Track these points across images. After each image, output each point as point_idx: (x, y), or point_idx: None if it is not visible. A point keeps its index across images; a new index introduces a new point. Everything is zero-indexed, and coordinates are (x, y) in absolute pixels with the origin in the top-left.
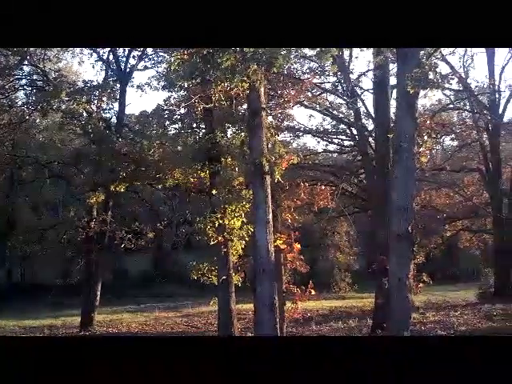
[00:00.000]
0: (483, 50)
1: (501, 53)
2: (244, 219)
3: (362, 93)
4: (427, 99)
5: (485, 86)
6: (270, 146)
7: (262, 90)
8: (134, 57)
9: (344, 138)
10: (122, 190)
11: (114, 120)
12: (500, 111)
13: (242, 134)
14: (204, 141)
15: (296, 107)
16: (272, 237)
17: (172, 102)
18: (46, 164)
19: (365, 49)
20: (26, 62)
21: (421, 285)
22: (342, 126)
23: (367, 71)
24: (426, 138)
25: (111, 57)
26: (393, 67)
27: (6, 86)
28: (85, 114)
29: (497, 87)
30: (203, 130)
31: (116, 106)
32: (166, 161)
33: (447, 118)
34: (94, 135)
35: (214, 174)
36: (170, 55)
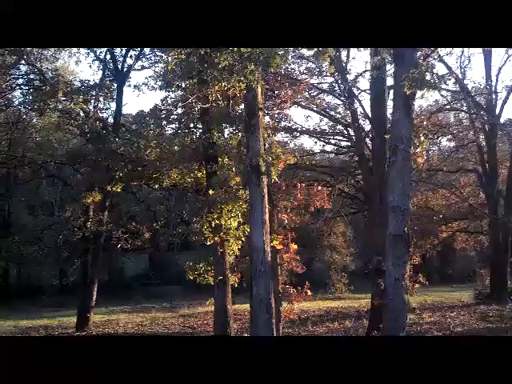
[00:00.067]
0: (480, 50)
1: (497, 54)
2: (240, 219)
3: (359, 93)
4: (424, 100)
5: (481, 87)
6: (266, 146)
7: (259, 90)
8: (131, 56)
9: (341, 138)
10: (119, 190)
11: (110, 120)
12: (497, 112)
13: (239, 134)
14: (201, 141)
15: (293, 108)
16: (268, 237)
17: (169, 101)
18: (43, 164)
19: (362, 49)
20: (22, 62)
21: (417, 285)
22: (339, 126)
23: (364, 72)
24: (422, 138)
25: (108, 56)
26: (390, 68)
27: (3, 86)
28: (82, 113)
29: (493, 88)
30: (200, 130)
31: (113, 105)
32: (163, 161)
33: (444, 118)
34: (91, 135)
35: (210, 174)
36: (168, 55)
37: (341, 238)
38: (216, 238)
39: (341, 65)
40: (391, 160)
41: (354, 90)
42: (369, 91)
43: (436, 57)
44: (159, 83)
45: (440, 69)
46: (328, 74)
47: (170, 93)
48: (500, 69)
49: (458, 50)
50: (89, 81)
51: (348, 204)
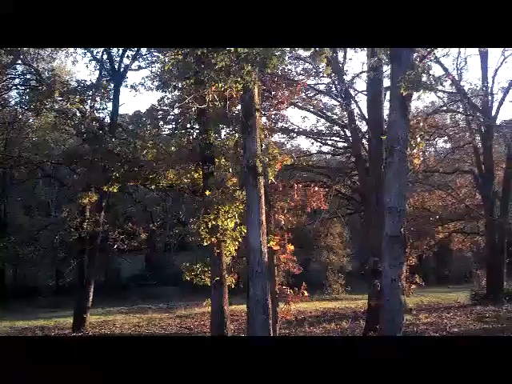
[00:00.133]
0: (476, 52)
1: (494, 56)
2: (237, 220)
3: (356, 94)
4: (420, 101)
5: (478, 89)
6: (263, 147)
7: (256, 91)
8: (127, 56)
9: (338, 139)
10: (115, 191)
11: (107, 120)
12: (493, 113)
13: (236, 134)
14: (198, 141)
15: (290, 108)
16: (265, 238)
17: (166, 102)
18: (39, 164)
19: (359, 50)
20: (19, 61)
21: (413, 286)
22: (336, 127)
23: (361, 73)
24: (419, 139)
25: (105, 56)
26: (386, 69)
27: None
28: (78, 113)
29: (490, 90)
30: (197, 131)
31: (110, 105)
32: (160, 161)
33: (440, 120)
34: (88, 135)
35: (207, 175)
36: (164, 55)
37: (337, 239)
38: (213, 239)
39: (337, 66)
40: (388, 161)
41: (351, 91)
42: (365, 92)
43: (432, 58)
44: (156, 83)
45: (436, 70)
46: (325, 75)
47: (167, 93)
48: (496, 70)
49: (454, 52)
50: (85, 81)
51: (345, 205)
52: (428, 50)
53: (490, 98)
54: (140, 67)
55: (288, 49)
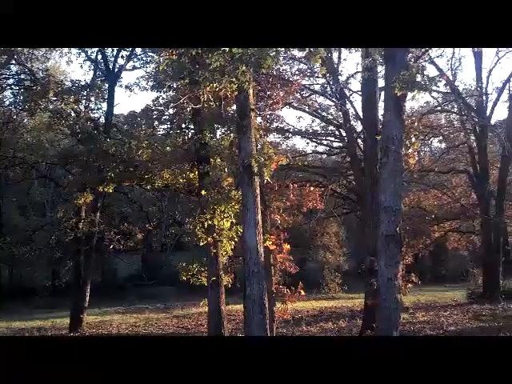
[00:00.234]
0: (471, 53)
1: (488, 56)
2: (233, 220)
3: (351, 94)
4: (415, 101)
5: (472, 89)
6: (259, 147)
7: (251, 91)
8: (122, 57)
9: (333, 139)
10: (111, 191)
11: (102, 120)
12: (487, 113)
13: (231, 134)
14: (193, 141)
15: (285, 108)
16: (261, 237)
17: (161, 102)
18: (34, 164)
19: (353, 51)
20: (13, 61)
21: (409, 285)
22: (331, 127)
23: (356, 73)
24: (413, 139)
25: (99, 56)
26: (381, 69)
27: None
28: (73, 113)
29: (484, 90)
30: (192, 131)
31: (104, 106)
32: (155, 161)
33: (435, 120)
34: (82, 135)
35: (203, 175)
36: (159, 55)
37: (334, 238)
38: (209, 239)
39: (332, 66)
40: (383, 161)
41: (346, 91)
42: (360, 92)
43: (427, 58)
44: (151, 84)
45: (431, 70)
46: (320, 75)
47: (162, 93)
48: (490, 71)
49: (448, 52)
50: (80, 81)
51: (340, 204)
52: (422, 50)
53: (484, 98)
54: (135, 67)
55: (283, 49)
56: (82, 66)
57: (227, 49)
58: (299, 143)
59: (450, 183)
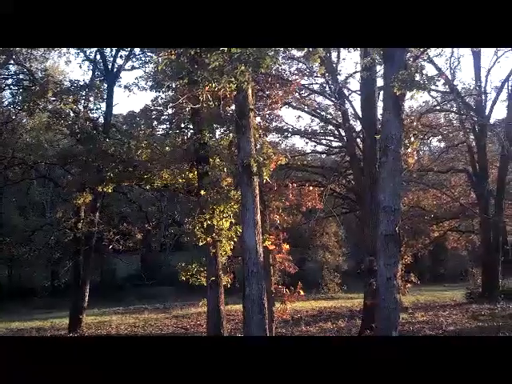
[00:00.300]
0: (469, 52)
1: (486, 56)
2: (232, 220)
3: (350, 94)
4: (414, 101)
5: (471, 88)
6: (258, 146)
7: (250, 90)
8: (121, 56)
9: (332, 139)
10: (110, 191)
11: (101, 120)
12: (486, 113)
13: (230, 134)
14: (192, 141)
15: (284, 108)
16: (261, 237)
17: (160, 102)
18: (33, 164)
19: (352, 50)
20: (11, 61)
21: (409, 285)
22: (330, 127)
23: (355, 73)
24: (412, 139)
25: (98, 56)
26: (380, 69)
27: None
28: (72, 113)
29: (483, 89)
30: (191, 131)
31: (103, 106)
32: (154, 161)
33: (434, 119)
34: (81, 135)
35: (202, 175)
36: (158, 55)
37: (333, 238)
38: (208, 239)
39: (331, 66)
40: (382, 160)
41: (345, 90)
42: (359, 92)
43: (426, 58)
44: (149, 83)
45: (430, 70)
46: (319, 75)
47: (161, 93)
48: (489, 70)
49: (447, 52)
50: (79, 81)
51: (340, 204)
52: (421, 49)
53: (483, 98)
54: (133, 67)
55: (281, 49)
56: (80, 66)
57: (226, 48)
58: (298, 143)
59: (449, 182)
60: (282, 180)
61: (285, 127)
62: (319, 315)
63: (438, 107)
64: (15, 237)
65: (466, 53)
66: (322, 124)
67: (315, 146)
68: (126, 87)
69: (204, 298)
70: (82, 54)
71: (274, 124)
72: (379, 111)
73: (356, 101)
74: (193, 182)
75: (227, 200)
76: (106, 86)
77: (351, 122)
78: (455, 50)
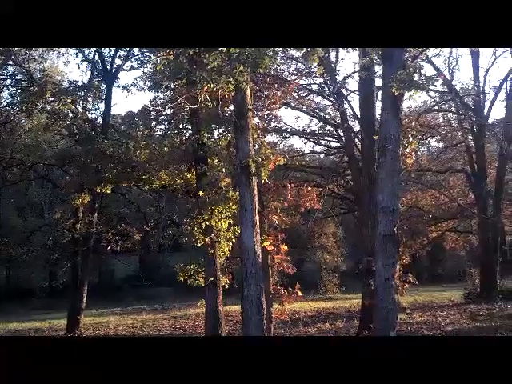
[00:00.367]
0: (468, 52)
1: (485, 56)
2: (231, 221)
3: (348, 94)
4: (412, 101)
5: (470, 88)
6: (256, 147)
7: (248, 91)
8: (119, 57)
9: (331, 139)
10: (108, 192)
11: (99, 121)
12: (485, 113)
13: (229, 135)
14: (190, 142)
15: (283, 108)
16: (259, 238)
17: (158, 102)
18: (32, 165)
19: (351, 50)
20: (10, 62)
21: (407, 285)
22: (329, 127)
23: (353, 73)
24: (411, 139)
25: (97, 57)
26: (378, 69)
27: None
28: (70, 114)
29: (481, 89)
30: (189, 131)
31: (102, 106)
32: (153, 162)
33: (432, 119)
34: (80, 136)
35: (200, 176)
36: (156, 55)
37: (331, 239)
38: (206, 240)
39: (330, 66)
40: (380, 160)
41: (343, 90)
42: (358, 92)
43: (424, 58)
44: (148, 84)
45: (428, 70)
46: (317, 75)
47: (159, 93)
48: (488, 70)
49: (446, 52)
50: (77, 81)
51: (338, 204)
52: (419, 49)
53: (481, 98)
54: (132, 67)
55: (280, 49)
56: (79, 67)
57: (224, 49)
58: (297, 143)
59: (448, 183)
60: (280, 180)
61: (283, 127)
62: (317, 316)
63: (436, 107)
64: (13, 237)
65: (464, 53)
66: (320, 124)
67: (314, 146)
68: (124, 88)
69: (202, 298)
70: (80, 55)
71: (272, 124)
72: (378, 111)
73: (354, 101)
74: (191, 183)
75: (226, 201)
76: (104, 86)
77: (350, 122)
78: (454, 49)
